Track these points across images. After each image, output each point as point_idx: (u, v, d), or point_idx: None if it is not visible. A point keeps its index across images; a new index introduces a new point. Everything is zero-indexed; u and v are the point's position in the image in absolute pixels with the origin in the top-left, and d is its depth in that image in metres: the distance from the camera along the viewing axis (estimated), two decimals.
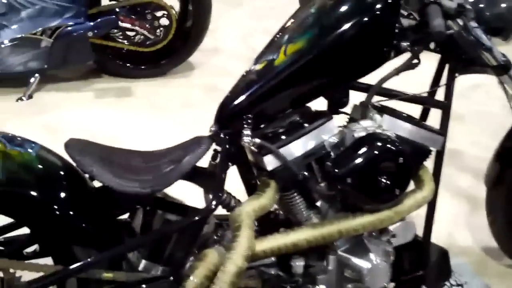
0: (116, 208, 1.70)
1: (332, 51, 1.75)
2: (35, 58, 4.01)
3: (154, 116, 3.90)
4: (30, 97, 4.06)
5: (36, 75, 4.05)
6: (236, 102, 1.81)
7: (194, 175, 1.78)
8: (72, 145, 1.66)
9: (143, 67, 4.43)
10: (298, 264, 1.88)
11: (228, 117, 1.82)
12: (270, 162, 1.78)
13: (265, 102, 1.81)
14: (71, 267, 1.57)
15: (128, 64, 4.39)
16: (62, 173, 1.59)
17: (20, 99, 4.01)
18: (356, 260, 1.87)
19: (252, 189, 1.86)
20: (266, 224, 1.85)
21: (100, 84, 4.33)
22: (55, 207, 1.54)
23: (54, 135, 3.58)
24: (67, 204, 1.56)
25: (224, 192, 1.76)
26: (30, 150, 1.56)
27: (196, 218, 1.67)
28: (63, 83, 4.27)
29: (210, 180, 1.84)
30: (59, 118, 3.79)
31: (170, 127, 3.77)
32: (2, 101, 3.94)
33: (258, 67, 1.83)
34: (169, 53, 4.44)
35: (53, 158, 1.61)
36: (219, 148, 1.86)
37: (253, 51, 2.00)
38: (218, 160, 1.86)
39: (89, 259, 1.59)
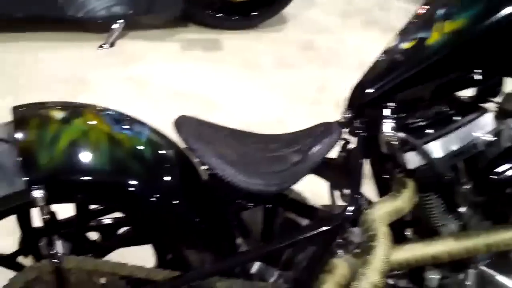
0: (232, 204, 1.51)
1: (502, 34, 1.48)
2: (120, 2, 3.83)
3: (247, 75, 3.68)
4: (112, 44, 3.90)
5: (120, 21, 3.88)
6: (376, 86, 1.56)
7: (322, 167, 1.57)
8: (183, 126, 1.45)
9: (233, 18, 4.19)
10: (433, 277, 1.67)
11: (365, 103, 1.58)
12: (412, 160, 1.54)
13: (411, 88, 1.56)
14: (188, 274, 1.40)
15: (217, 14, 4.16)
16: (174, 163, 1.39)
17: (102, 46, 3.86)
18: (502, 279, 1.65)
19: (384, 188, 1.64)
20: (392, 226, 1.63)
21: (187, 34, 4.12)
22: (166, 203, 1.35)
23: (139, 90, 3.42)
24: (179, 201, 1.37)
25: (362, 193, 1.54)
26: (139, 134, 1.37)
27: (331, 226, 1.46)
28: (147, 31, 4.09)
29: (339, 174, 1.64)
30: (143, 71, 3.61)
31: (265, 89, 3.55)
32: (83, 48, 3.79)
33: (405, 45, 1.58)
34: (261, 3, 4.19)
35: (164, 144, 1.42)
36: (350, 138, 1.63)
37: (349, 5, 1.74)
38: (347, 151, 1.64)
39: (207, 266, 1.42)
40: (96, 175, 1.28)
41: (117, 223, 1.51)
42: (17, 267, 1.42)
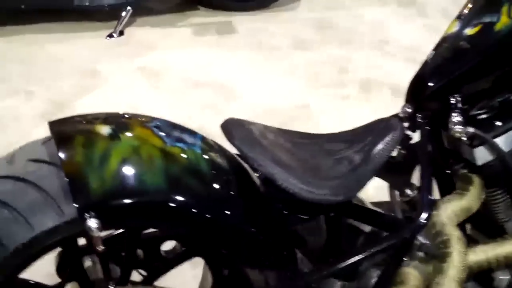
0: (293, 215, 1.40)
1: None
2: None
3: (263, 59, 3.54)
4: (121, 33, 3.77)
5: (127, 8, 3.74)
6: (439, 77, 1.44)
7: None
8: (232, 130, 1.32)
9: None
10: (503, 278, 1.56)
11: (427, 96, 1.46)
12: (482, 156, 1.43)
13: (479, 78, 1.44)
14: None
15: None
16: (230, 174, 1.27)
17: (111, 35, 3.72)
18: None
19: (446, 185, 1.53)
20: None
21: (198, 18, 3.97)
22: (226, 219, 1.24)
23: (153, 81, 3.28)
24: (240, 216, 1.26)
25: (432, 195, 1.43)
26: (192, 146, 1.25)
27: (405, 235, 1.34)
28: (155, 16, 3.94)
29: (400, 174, 1.52)
30: (155, 60, 3.47)
31: (284, 73, 3.41)
32: (91, 38, 3.66)
33: (469, 31, 1.45)
34: None
35: (218, 154, 1.30)
36: (410, 133, 1.51)
37: None
38: (408, 148, 1.52)
39: (279, 285, 1.31)
40: (152, 197, 1.16)
41: (159, 238, 1.39)
42: None
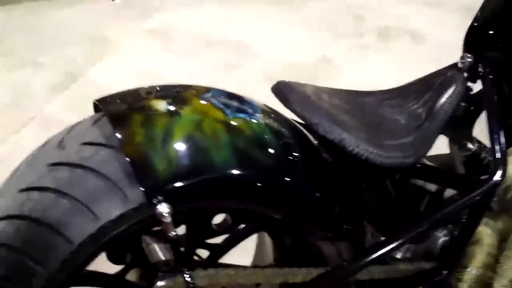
0: (361, 182, 1.32)
1: None
2: None
3: (276, 11, 3.42)
4: None
5: None
6: (499, 23, 1.35)
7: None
8: (286, 94, 1.23)
9: None
10: None
11: (488, 44, 1.37)
12: None
13: None
14: (339, 269, 1.21)
15: None
16: (296, 143, 1.18)
17: None
18: None
19: (510, 137, 1.45)
20: None
21: None
22: (298, 191, 1.16)
23: (164, 43, 3.17)
24: (310, 187, 1.17)
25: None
26: (254, 116, 1.15)
27: (481, 194, 1.26)
28: None
29: (462, 128, 1.44)
30: (164, 21, 3.35)
31: (299, 25, 3.30)
32: (95, 2, 3.52)
33: None
34: None
35: (280, 122, 1.21)
36: (471, 85, 1.42)
37: None
38: (469, 100, 1.44)
39: (358, 257, 1.23)
40: (222, 174, 1.07)
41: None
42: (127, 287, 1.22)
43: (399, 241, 1.24)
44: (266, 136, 1.14)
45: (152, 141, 1.04)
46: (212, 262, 1.27)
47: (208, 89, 1.18)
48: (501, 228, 1.36)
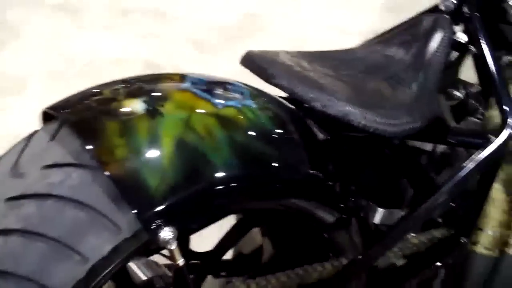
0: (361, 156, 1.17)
1: None
2: None
3: None
4: None
5: None
6: None
7: None
8: (271, 69, 1.06)
9: None
10: None
11: None
12: None
13: None
14: (364, 258, 1.07)
15: None
16: (290, 123, 1.01)
17: None
18: None
19: None
20: None
21: None
22: (303, 180, 1.00)
23: (74, 18, 2.88)
24: (314, 169, 1.01)
25: None
26: (245, 102, 0.97)
27: (494, 147, 1.12)
28: None
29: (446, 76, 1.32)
30: None
31: None
32: None
33: None
34: None
35: (271, 102, 1.03)
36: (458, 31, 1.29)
37: None
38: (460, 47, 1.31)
39: (381, 243, 1.09)
40: (226, 178, 0.89)
41: None
42: None
43: (421, 216, 1.10)
44: (263, 123, 0.97)
45: (137, 152, 0.85)
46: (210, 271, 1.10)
47: (183, 76, 1.00)
48: (505, 179, 1.25)
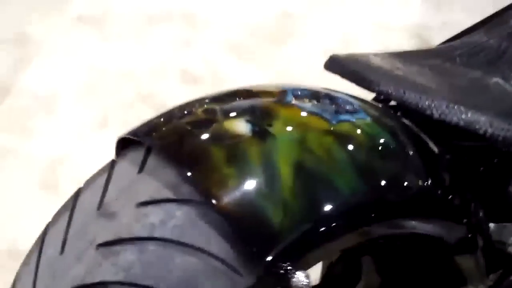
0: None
1: None
2: None
3: None
4: None
5: None
6: None
7: None
8: (371, 75, 0.95)
9: None
10: None
11: None
12: None
13: None
14: None
15: None
16: (409, 138, 0.89)
17: None
18: None
19: None
20: None
21: None
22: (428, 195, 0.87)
23: (99, 30, 2.76)
24: (435, 185, 0.89)
25: None
26: (359, 114, 0.85)
27: None
28: None
29: None
30: (93, 4, 2.94)
31: None
32: None
33: None
34: None
35: (380, 112, 0.91)
36: None
37: None
38: None
39: None
40: (355, 206, 0.77)
41: None
42: None
43: None
44: (381, 138, 0.84)
45: (251, 182, 0.73)
46: None
47: (282, 88, 0.87)
48: None
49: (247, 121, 0.78)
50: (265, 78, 2.36)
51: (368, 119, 0.85)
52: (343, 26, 2.71)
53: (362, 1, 2.83)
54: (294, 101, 0.83)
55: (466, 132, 0.92)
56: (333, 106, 0.85)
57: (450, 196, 0.91)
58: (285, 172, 0.74)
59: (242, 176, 0.73)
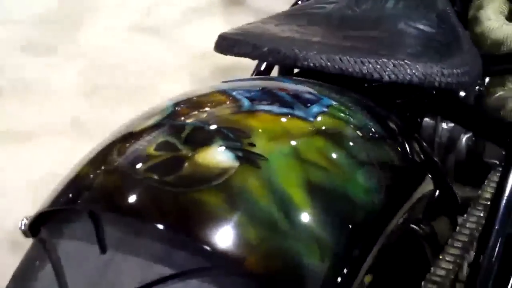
0: None
1: None
2: None
3: None
4: None
5: None
6: None
7: None
8: (297, 49, 0.83)
9: None
10: None
11: None
12: None
13: None
14: None
15: None
16: (377, 114, 0.79)
17: None
18: None
19: None
20: None
21: None
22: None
23: None
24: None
25: None
26: (326, 102, 0.71)
27: None
28: None
29: None
30: None
31: None
32: None
33: None
34: None
35: (340, 93, 0.78)
36: None
37: None
38: None
39: None
40: (376, 212, 0.66)
41: None
42: None
43: None
44: (358, 121, 0.74)
45: (267, 225, 0.59)
46: None
47: (227, 93, 0.73)
48: None
49: (223, 147, 0.63)
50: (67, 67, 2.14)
51: (335, 103, 0.74)
52: None
53: None
54: (255, 106, 0.69)
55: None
56: (295, 99, 0.72)
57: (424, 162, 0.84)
58: (298, 197, 0.61)
59: (256, 220, 0.58)
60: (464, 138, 1.20)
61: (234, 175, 0.60)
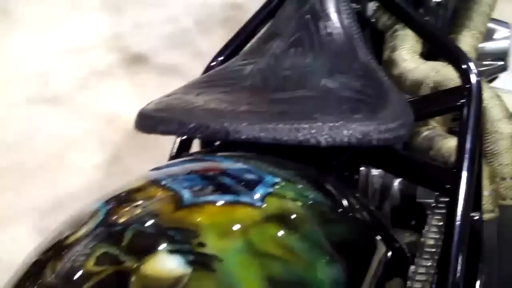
0: None
1: None
2: None
3: None
4: None
5: None
6: None
7: None
8: (230, 123, 0.79)
9: None
10: None
11: None
12: None
13: None
14: None
15: None
16: (323, 182, 0.76)
17: None
18: None
19: None
20: None
21: None
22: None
23: None
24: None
25: None
26: (270, 180, 0.67)
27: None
28: None
29: None
30: None
31: None
32: None
33: None
34: None
35: (284, 167, 0.75)
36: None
37: None
38: None
39: None
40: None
41: None
42: None
43: None
44: (310, 197, 0.71)
45: None
46: None
47: (157, 182, 0.68)
48: None
49: (171, 252, 0.58)
50: None
51: (279, 180, 0.70)
52: None
53: None
54: (197, 198, 0.64)
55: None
56: (237, 182, 0.68)
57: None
58: None
59: None
60: (396, 183, 1.19)
61: (188, 283, 0.55)
